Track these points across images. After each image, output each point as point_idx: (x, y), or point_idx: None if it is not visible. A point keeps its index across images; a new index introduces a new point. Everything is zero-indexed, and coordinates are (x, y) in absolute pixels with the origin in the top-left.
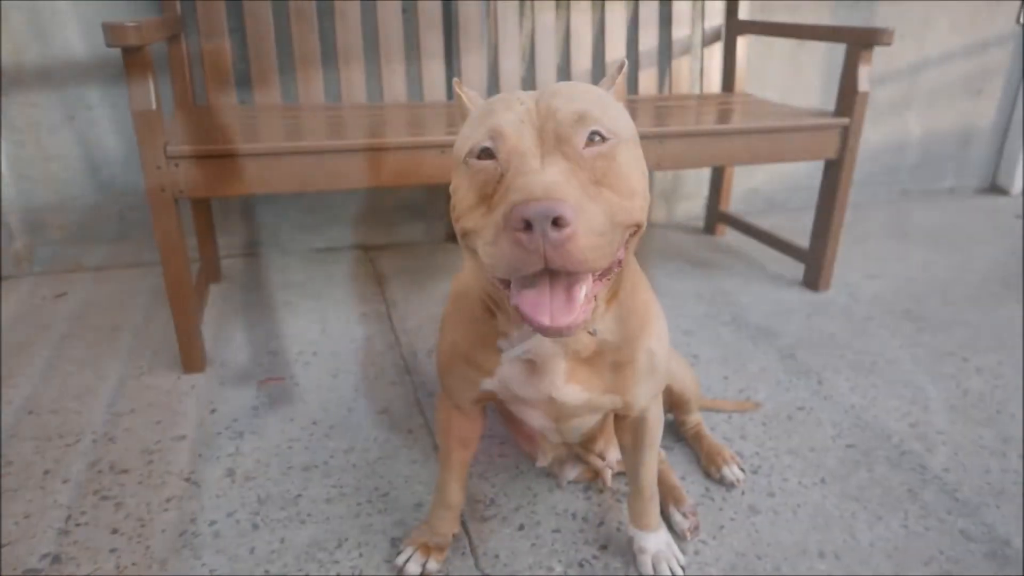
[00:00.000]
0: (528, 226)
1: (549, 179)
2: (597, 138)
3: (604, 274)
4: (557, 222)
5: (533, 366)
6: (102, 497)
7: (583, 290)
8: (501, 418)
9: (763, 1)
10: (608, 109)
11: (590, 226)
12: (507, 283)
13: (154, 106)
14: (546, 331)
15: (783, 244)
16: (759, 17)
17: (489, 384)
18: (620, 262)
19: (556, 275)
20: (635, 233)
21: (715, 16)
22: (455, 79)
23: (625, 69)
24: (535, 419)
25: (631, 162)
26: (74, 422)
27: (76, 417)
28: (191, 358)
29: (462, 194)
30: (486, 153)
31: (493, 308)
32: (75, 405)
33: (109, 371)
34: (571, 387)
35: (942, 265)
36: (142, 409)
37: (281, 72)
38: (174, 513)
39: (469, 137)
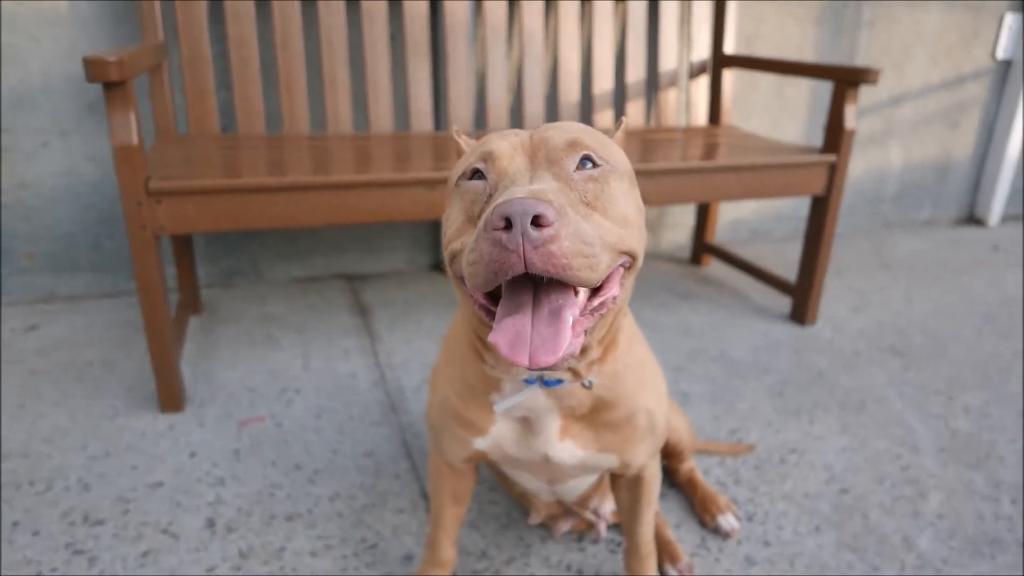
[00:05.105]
0: (509, 225)
1: (535, 188)
2: (589, 164)
3: (597, 309)
4: (538, 221)
5: (527, 424)
6: (75, 551)
7: (570, 318)
8: (492, 473)
9: (747, 33)
10: (602, 142)
11: (575, 231)
12: (492, 315)
13: (136, 140)
14: (525, 368)
15: (769, 277)
16: (743, 50)
17: (482, 444)
18: (615, 299)
19: (539, 301)
20: (630, 268)
21: (701, 49)
22: (454, 127)
23: (625, 125)
24: (529, 481)
25: (625, 192)
26: (45, 467)
27: (47, 461)
28: (169, 396)
29: (452, 217)
30: (477, 175)
31: (481, 350)
32: (46, 448)
33: (82, 411)
34: (566, 444)
35: (924, 298)
36: (118, 452)
37: (266, 100)
38: (151, 569)
39: (462, 164)
